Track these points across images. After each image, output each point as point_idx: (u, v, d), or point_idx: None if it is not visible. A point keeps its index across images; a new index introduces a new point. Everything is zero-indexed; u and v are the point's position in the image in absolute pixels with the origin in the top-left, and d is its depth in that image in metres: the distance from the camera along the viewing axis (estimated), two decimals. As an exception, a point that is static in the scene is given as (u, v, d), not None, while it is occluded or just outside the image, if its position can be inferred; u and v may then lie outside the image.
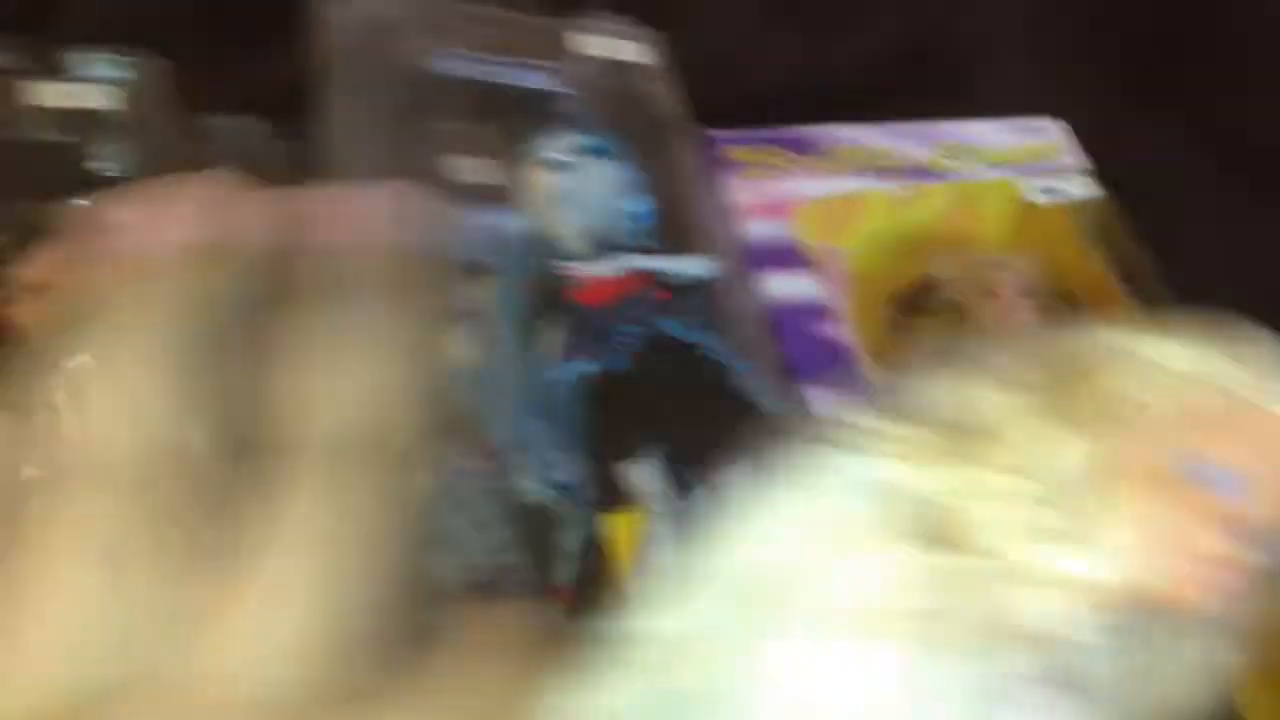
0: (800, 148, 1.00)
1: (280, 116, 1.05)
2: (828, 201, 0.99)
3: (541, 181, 0.83)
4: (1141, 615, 0.28)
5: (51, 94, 0.89)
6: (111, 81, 0.93)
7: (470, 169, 0.93)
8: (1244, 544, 0.29)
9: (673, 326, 0.72)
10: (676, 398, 0.71)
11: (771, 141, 1.00)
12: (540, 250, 0.85)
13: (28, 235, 0.84)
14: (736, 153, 0.96)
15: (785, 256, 0.89)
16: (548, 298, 0.79)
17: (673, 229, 0.84)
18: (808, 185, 0.97)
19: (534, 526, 0.77)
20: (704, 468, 0.71)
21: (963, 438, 0.28)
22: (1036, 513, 0.27)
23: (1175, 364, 0.29)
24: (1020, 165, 1.05)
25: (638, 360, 0.71)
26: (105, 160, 0.96)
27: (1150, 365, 0.29)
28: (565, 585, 0.77)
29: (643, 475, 0.69)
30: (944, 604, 0.26)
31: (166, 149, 0.94)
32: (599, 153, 0.83)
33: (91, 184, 0.95)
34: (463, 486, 0.79)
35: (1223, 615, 0.30)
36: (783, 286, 0.87)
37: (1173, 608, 0.28)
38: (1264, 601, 0.30)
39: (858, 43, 1.17)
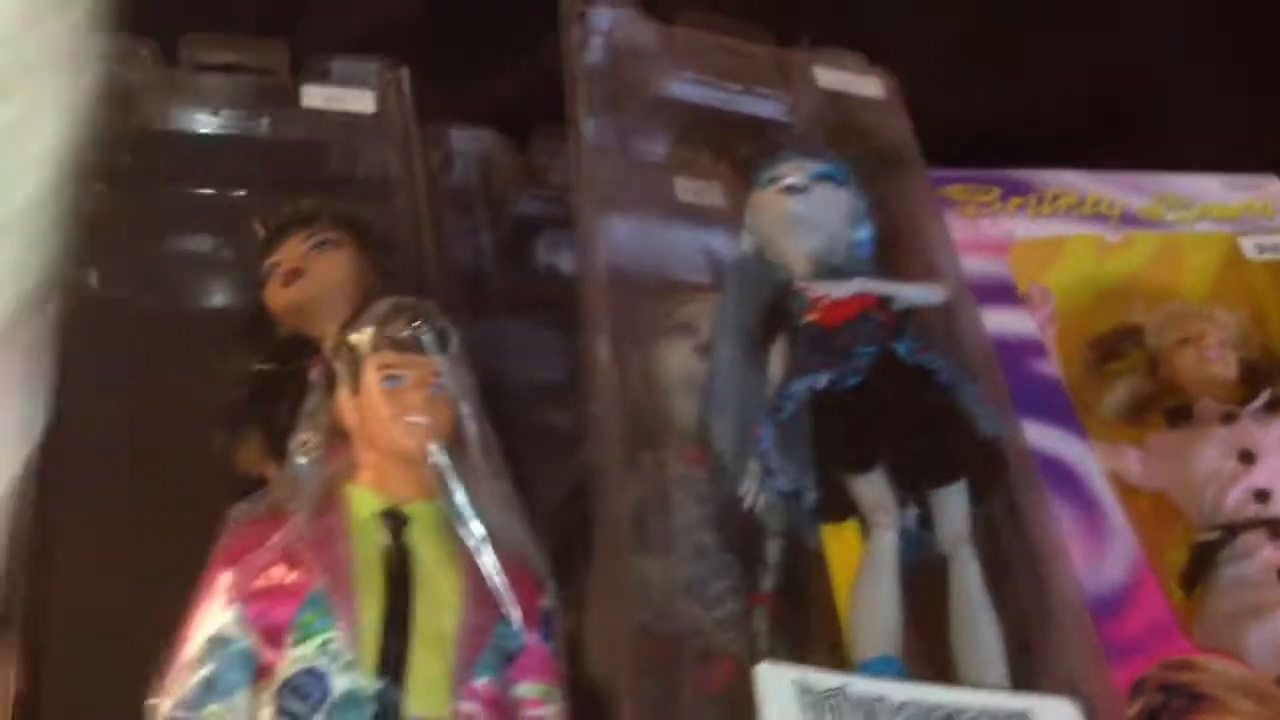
0: (1013, 189, 1.02)
1: (514, 128, 1.12)
2: (1039, 243, 1.00)
3: (773, 204, 0.85)
4: None
5: (317, 97, 0.96)
6: (365, 87, 1.00)
7: (699, 190, 0.97)
8: None
9: (904, 348, 0.74)
10: (904, 415, 0.73)
11: (984, 181, 1.02)
12: (764, 270, 0.88)
13: (284, 227, 0.90)
14: (949, 190, 0.98)
15: (999, 293, 0.91)
16: (774, 315, 0.82)
17: (900, 257, 0.86)
18: (1020, 226, 0.99)
19: (741, 533, 0.80)
20: (929, 483, 0.73)
21: None
22: None
23: None
24: (1237, 220, 1.05)
25: (870, 377, 0.73)
26: (352, 161, 1.03)
27: None
28: (768, 591, 0.80)
29: (868, 486, 0.71)
30: None
31: (408, 154, 1.00)
32: (831, 179, 0.85)
33: (340, 183, 1.02)
34: (675, 490, 0.82)
35: None
36: (998, 322, 0.89)
37: None
38: None
39: (1054, 85, 1.18)
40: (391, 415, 0.63)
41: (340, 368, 0.65)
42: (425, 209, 0.95)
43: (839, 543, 0.74)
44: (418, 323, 0.64)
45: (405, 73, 1.03)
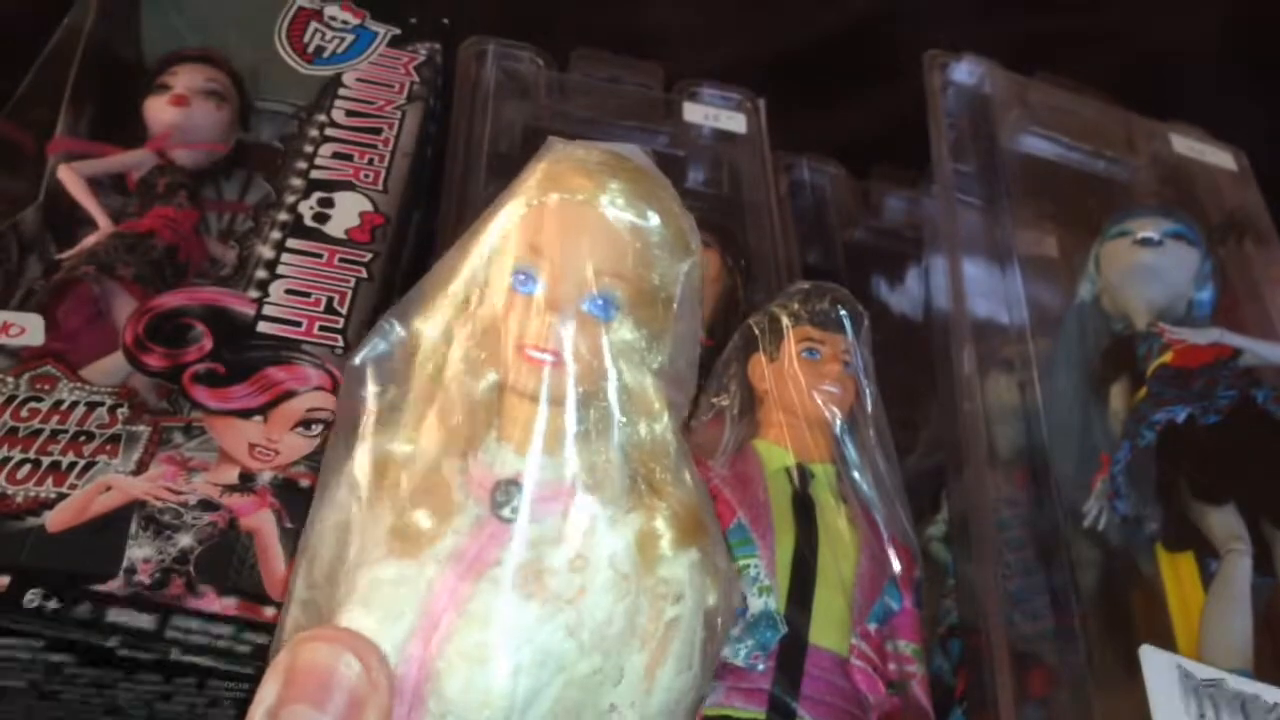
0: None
1: (858, 164, 1.19)
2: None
3: (1125, 255, 0.91)
4: None
5: (696, 113, 1.05)
6: (733, 111, 1.09)
7: (1036, 240, 1.02)
8: None
9: (1262, 396, 0.78)
10: (1259, 457, 0.77)
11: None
12: (1101, 317, 0.93)
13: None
14: None
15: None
16: (1119, 354, 0.87)
17: (1238, 321, 0.90)
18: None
19: (1064, 553, 0.84)
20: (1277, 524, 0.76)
21: None
22: None
23: None
24: None
25: (1228, 418, 0.77)
26: (701, 176, 1.12)
27: None
28: (1080, 612, 0.83)
29: (1221, 517, 0.75)
30: None
31: (753, 178, 1.09)
32: (1183, 238, 0.90)
33: (686, 195, 1.10)
34: (1003, 510, 0.87)
35: None
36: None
37: None
38: None
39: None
40: (808, 383, 0.70)
41: (761, 336, 0.72)
42: (779, 227, 1.03)
43: (1174, 570, 0.78)
44: (838, 304, 0.71)
45: (762, 103, 1.12)
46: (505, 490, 0.45)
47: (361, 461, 0.47)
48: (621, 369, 0.46)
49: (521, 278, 0.45)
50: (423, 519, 0.44)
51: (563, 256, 0.45)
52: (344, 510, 0.48)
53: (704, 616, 0.47)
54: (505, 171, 1.05)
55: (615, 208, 0.45)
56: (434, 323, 0.47)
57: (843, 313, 0.71)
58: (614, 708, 0.45)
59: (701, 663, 0.47)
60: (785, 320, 0.71)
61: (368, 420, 0.48)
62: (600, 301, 0.45)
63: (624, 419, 0.46)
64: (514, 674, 0.43)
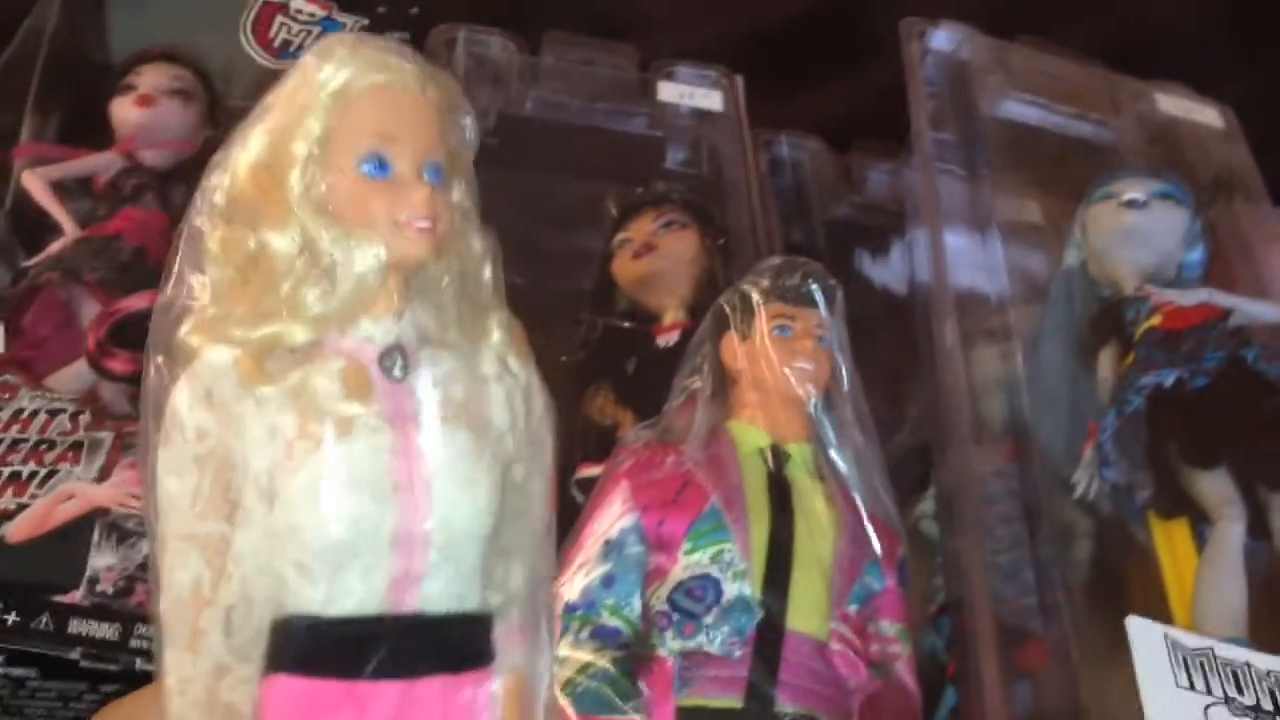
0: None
1: (838, 139, 1.17)
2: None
3: (1111, 217, 0.88)
4: None
5: (671, 93, 1.03)
6: (709, 89, 1.07)
7: (1019, 207, 1.00)
8: None
9: (1252, 355, 0.76)
10: (1250, 419, 0.75)
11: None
12: (1088, 283, 0.91)
13: (636, 206, 0.97)
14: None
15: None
16: (1107, 320, 0.85)
17: (1230, 280, 0.88)
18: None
19: (1055, 524, 0.82)
20: (1270, 485, 0.74)
21: None
22: None
23: None
24: None
25: (1216, 380, 0.75)
26: (680, 156, 1.10)
27: None
28: (1081, 582, 0.82)
29: (1212, 482, 0.73)
30: None
31: (732, 156, 1.07)
32: (1171, 198, 0.87)
33: (666, 175, 1.09)
34: (992, 481, 0.86)
35: None
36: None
37: None
38: None
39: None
40: (780, 360, 0.68)
41: (732, 315, 0.70)
42: (759, 205, 1.02)
43: (1167, 537, 0.76)
44: (809, 278, 0.70)
45: (740, 80, 1.10)
46: (390, 355, 0.51)
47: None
48: (463, 225, 0.53)
49: (376, 163, 0.50)
50: (353, 406, 0.49)
51: (408, 137, 0.51)
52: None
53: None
54: (479, 160, 1.04)
55: (423, 86, 0.52)
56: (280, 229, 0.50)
57: (814, 286, 0.69)
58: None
59: None
60: (756, 297, 0.70)
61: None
62: (434, 170, 0.51)
63: (461, 263, 0.54)
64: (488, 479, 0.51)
